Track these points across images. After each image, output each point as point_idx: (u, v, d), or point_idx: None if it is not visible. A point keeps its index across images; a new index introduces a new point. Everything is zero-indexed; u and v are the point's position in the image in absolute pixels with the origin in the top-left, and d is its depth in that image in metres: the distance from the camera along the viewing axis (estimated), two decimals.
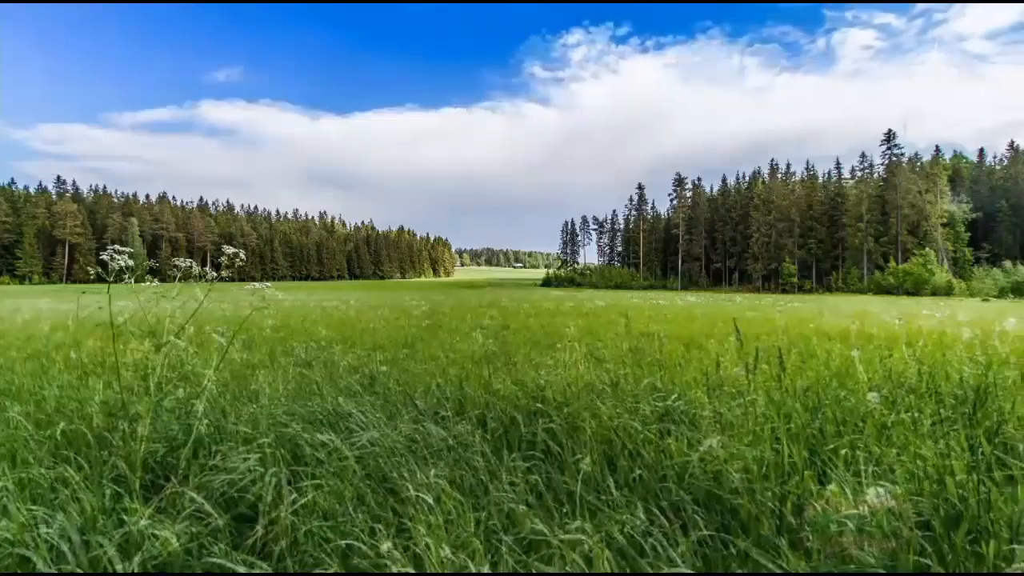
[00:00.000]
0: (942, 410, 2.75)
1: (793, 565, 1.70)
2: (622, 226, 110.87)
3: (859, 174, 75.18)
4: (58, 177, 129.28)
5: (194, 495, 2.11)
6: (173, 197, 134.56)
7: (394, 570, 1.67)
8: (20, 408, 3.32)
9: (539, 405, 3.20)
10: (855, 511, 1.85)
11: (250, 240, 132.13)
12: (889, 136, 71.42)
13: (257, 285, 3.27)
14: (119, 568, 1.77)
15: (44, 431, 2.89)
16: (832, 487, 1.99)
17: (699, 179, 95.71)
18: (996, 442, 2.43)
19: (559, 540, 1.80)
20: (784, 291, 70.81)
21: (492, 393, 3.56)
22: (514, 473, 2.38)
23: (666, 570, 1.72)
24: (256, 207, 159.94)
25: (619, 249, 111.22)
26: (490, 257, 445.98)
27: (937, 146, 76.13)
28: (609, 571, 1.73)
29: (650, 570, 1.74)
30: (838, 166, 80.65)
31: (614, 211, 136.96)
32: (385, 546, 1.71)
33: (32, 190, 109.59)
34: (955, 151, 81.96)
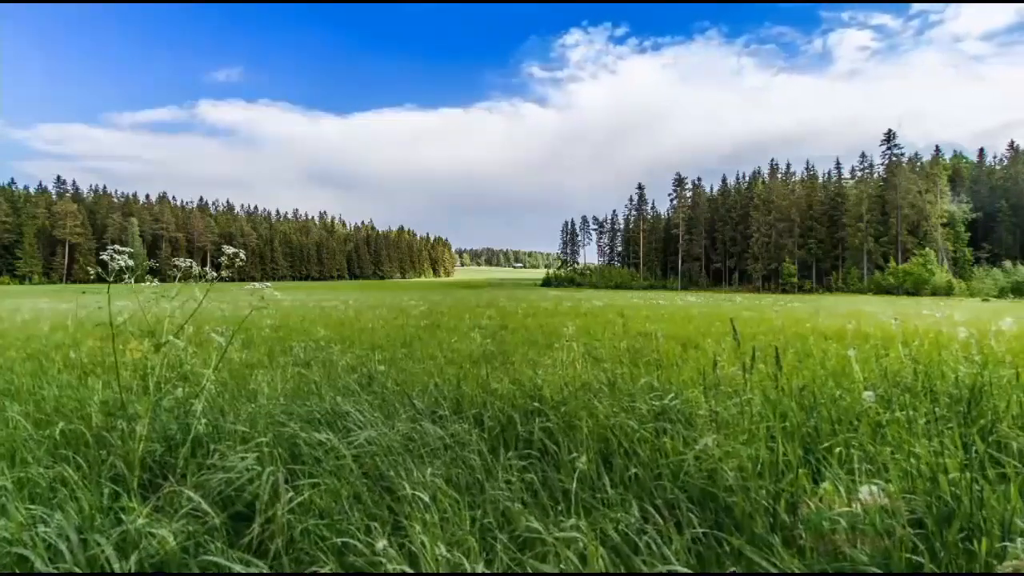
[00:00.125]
0: (937, 409, 2.76)
1: (786, 563, 1.71)
2: (622, 226, 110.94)
3: (859, 174, 75.20)
4: (58, 177, 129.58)
5: (191, 494, 2.12)
6: (173, 197, 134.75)
7: (389, 568, 1.68)
8: (19, 408, 3.33)
9: (536, 404, 3.21)
10: (848, 509, 1.86)
11: (250, 240, 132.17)
12: (889, 136, 71.45)
13: (257, 285, 3.28)
14: (116, 567, 1.78)
15: (43, 431, 2.90)
16: (826, 485, 2.00)
17: (699, 179, 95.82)
18: (990, 440, 2.44)
19: (554, 538, 1.81)
20: (784, 291, 70.81)
21: (489, 392, 3.57)
22: (510, 471, 2.39)
23: (660, 568, 1.73)
24: (256, 207, 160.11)
25: (619, 249, 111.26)
26: (490, 257, 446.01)
27: (937, 146, 76.25)
28: (603, 568, 1.74)
29: (644, 568, 1.75)
30: (838, 166, 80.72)
31: (614, 211, 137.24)
32: (380, 544, 1.72)
33: (32, 190, 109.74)
34: (955, 151, 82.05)
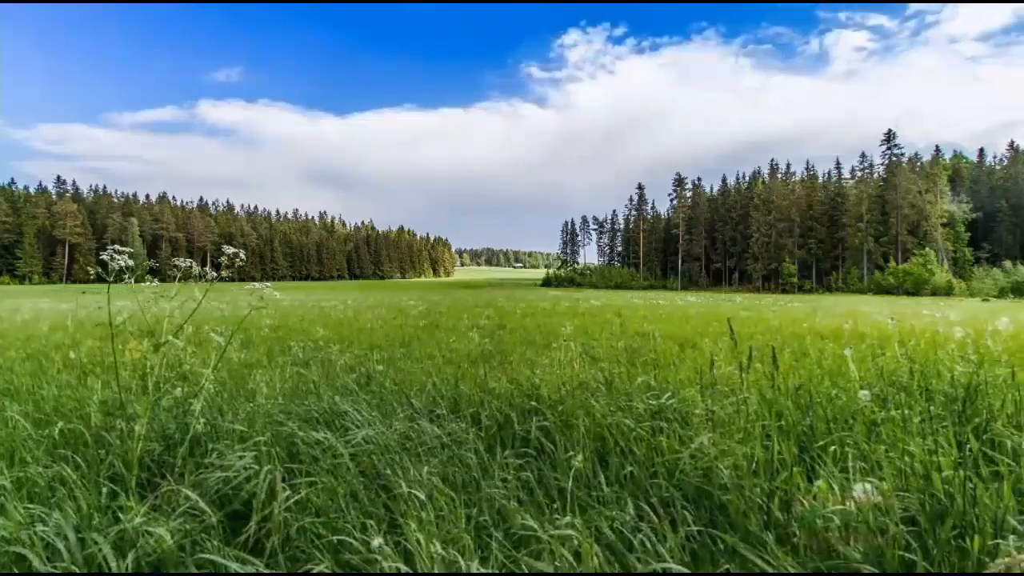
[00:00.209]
0: (932, 408, 2.77)
1: (780, 560, 1.72)
2: (622, 226, 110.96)
3: (859, 174, 75.21)
4: (58, 177, 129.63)
5: (189, 492, 2.12)
6: (173, 197, 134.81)
7: (384, 565, 1.69)
8: (19, 407, 3.34)
9: (533, 403, 3.22)
10: (842, 507, 1.87)
11: (250, 240, 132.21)
12: (889, 136, 71.45)
13: (257, 285, 3.28)
14: (113, 565, 1.79)
15: (42, 430, 2.91)
16: (820, 483, 2.01)
17: (699, 179, 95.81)
18: (984, 439, 2.45)
19: (548, 536, 1.81)
20: (784, 291, 70.82)
21: (487, 392, 3.58)
22: (506, 470, 2.40)
23: (654, 565, 1.74)
24: (256, 207, 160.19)
25: (619, 249, 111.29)
26: (490, 257, 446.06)
27: (937, 146, 76.28)
28: (598, 565, 1.74)
29: (639, 565, 1.76)
30: (838, 166, 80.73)
31: (614, 211, 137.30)
32: (376, 541, 1.73)
33: (32, 190, 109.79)
34: (955, 151, 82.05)
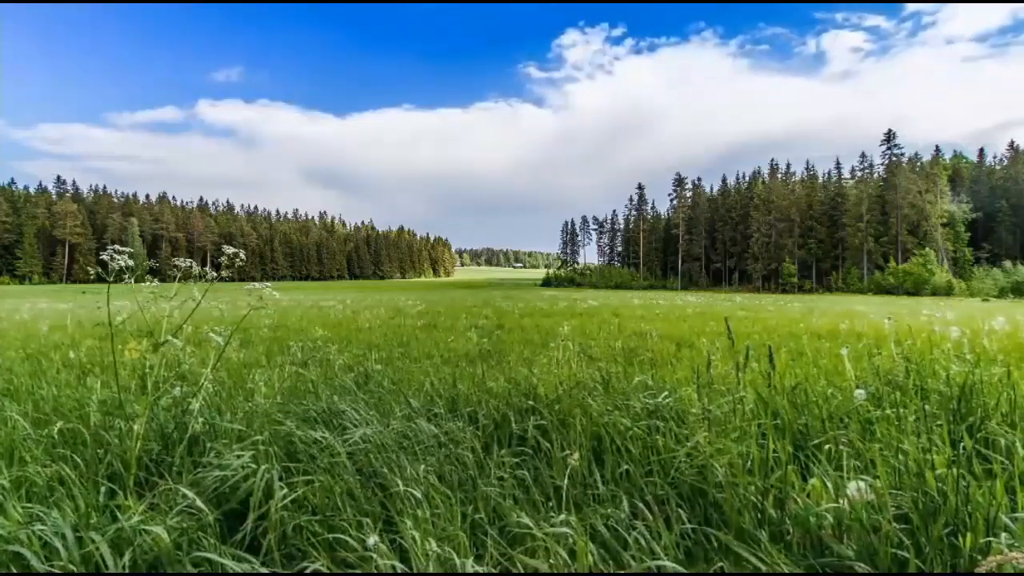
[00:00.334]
0: (927, 406, 2.78)
1: (773, 558, 1.73)
2: (622, 226, 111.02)
3: (859, 174, 75.24)
4: (58, 177, 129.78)
5: (187, 491, 2.13)
6: (173, 197, 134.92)
7: (379, 562, 1.70)
8: (18, 407, 3.35)
9: (531, 402, 3.23)
10: (835, 505, 1.88)
11: (250, 240, 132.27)
12: (889, 136, 71.49)
13: (257, 285, 3.29)
14: (110, 563, 1.80)
15: (41, 430, 2.92)
16: (814, 481, 2.02)
17: (699, 179, 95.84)
18: (978, 437, 2.46)
19: (543, 533, 1.83)
20: (784, 291, 70.84)
21: (485, 391, 3.59)
22: (503, 468, 2.41)
23: (648, 562, 1.75)
24: (256, 207, 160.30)
25: (619, 249, 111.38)
26: (490, 257, 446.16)
27: (937, 146, 76.32)
28: (592, 563, 1.75)
29: (633, 563, 1.77)
30: (838, 166, 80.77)
31: (614, 211, 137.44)
32: (371, 539, 1.74)
33: (32, 190, 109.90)
34: (955, 151, 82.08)
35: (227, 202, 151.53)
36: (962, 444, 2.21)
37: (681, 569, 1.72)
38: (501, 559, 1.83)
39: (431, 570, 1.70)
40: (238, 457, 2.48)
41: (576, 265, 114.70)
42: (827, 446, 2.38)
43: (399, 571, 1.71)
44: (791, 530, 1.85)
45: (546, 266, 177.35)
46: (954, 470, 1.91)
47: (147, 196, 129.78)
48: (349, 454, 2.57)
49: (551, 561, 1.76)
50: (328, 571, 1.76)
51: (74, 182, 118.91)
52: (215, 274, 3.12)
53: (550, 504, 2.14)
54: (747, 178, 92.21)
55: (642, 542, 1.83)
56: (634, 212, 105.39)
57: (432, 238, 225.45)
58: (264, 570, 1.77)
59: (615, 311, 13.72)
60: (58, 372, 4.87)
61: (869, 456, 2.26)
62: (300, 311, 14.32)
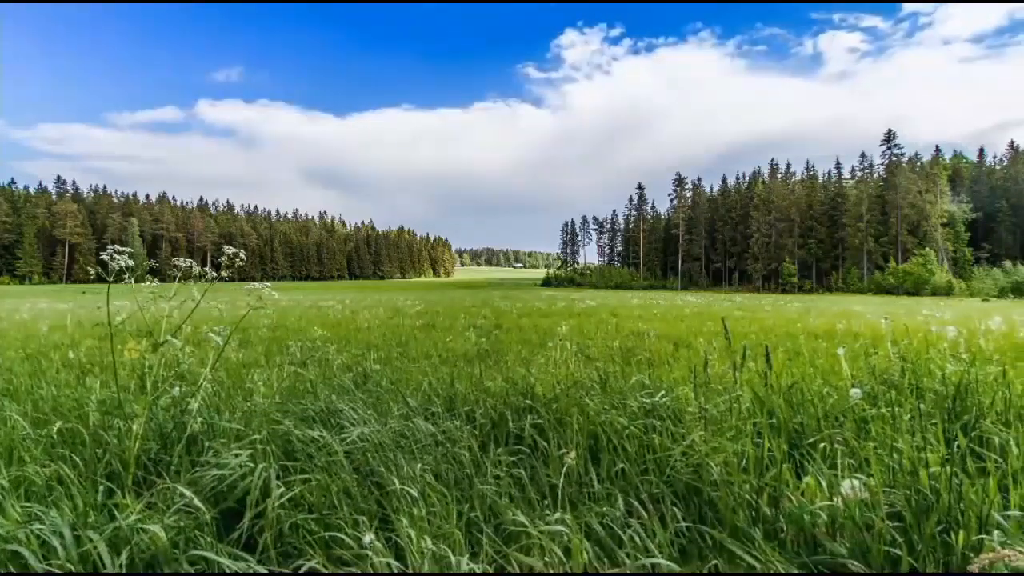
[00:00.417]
0: (922, 405, 2.79)
1: (767, 555, 1.74)
2: (622, 226, 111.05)
3: (859, 174, 75.25)
4: (58, 177, 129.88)
5: (184, 490, 2.14)
6: (173, 197, 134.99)
7: (375, 560, 1.71)
8: (18, 407, 3.36)
9: (528, 402, 3.24)
10: (829, 503, 1.89)
11: (250, 240, 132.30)
12: (889, 136, 71.50)
13: (256, 285, 3.30)
14: (108, 562, 1.80)
15: (41, 430, 2.93)
16: (808, 479, 2.03)
17: (699, 179, 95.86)
18: (972, 435, 2.47)
19: (539, 531, 1.84)
20: (784, 291, 70.85)
21: (483, 390, 3.60)
22: (499, 467, 2.42)
23: (643, 560, 1.76)
24: (256, 207, 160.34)
25: (619, 249, 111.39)
26: (490, 257, 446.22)
27: (937, 146, 76.34)
28: (587, 561, 1.76)
29: (628, 560, 1.78)
30: (838, 166, 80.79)
31: (614, 211, 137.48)
32: (367, 537, 1.75)
33: (32, 190, 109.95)
34: (955, 151, 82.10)
35: (227, 202, 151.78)
36: (956, 443, 2.22)
37: (675, 567, 1.73)
38: (496, 557, 1.84)
39: (426, 567, 1.71)
40: (236, 456, 2.48)
41: (576, 265, 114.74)
42: (822, 445, 2.39)
43: (394, 568, 1.72)
44: (785, 528, 1.86)
45: (546, 266, 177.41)
46: (948, 468, 1.91)
47: (147, 196, 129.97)
48: (346, 453, 2.58)
49: (546, 559, 1.77)
50: (324, 569, 1.77)
51: (74, 182, 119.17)
52: (215, 274, 3.13)
53: (546, 502, 2.15)
54: (747, 178, 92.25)
55: (637, 540, 1.84)
56: (634, 212, 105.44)
57: (432, 238, 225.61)
58: (260, 568, 1.78)
59: (613, 311, 13.76)
60: (57, 372, 4.89)
61: (864, 454, 2.27)
62: (299, 311, 14.34)
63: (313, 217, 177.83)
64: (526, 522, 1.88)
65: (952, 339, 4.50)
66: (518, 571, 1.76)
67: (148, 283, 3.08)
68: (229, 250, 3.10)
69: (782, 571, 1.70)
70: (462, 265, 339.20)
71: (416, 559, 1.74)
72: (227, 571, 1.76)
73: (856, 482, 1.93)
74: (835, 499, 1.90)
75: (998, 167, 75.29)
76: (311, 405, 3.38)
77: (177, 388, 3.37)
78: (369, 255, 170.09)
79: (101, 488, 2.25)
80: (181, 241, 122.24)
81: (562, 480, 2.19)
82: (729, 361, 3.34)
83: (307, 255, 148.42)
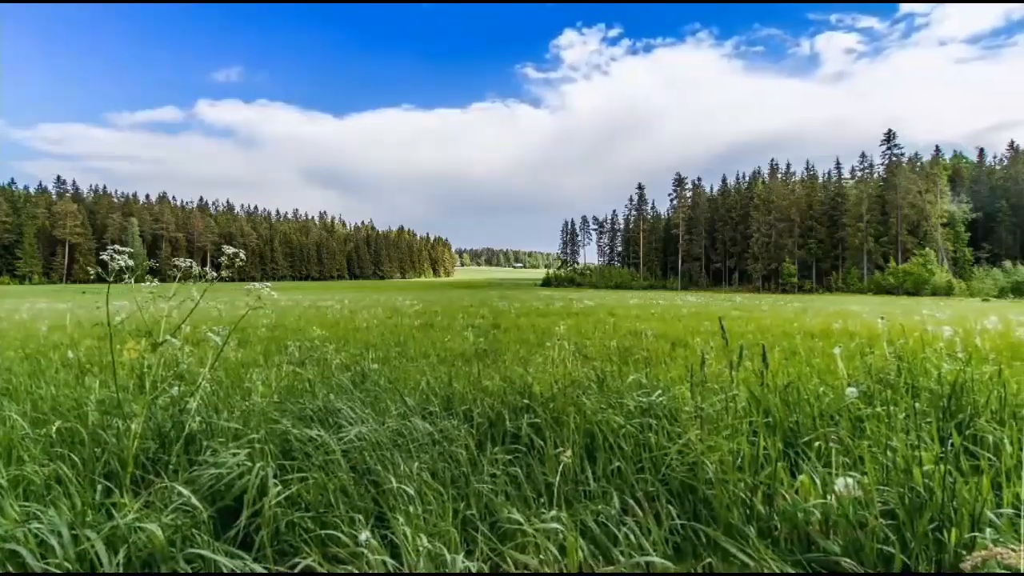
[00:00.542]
0: (917, 404, 2.80)
1: (761, 553, 1.75)
2: (622, 226, 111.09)
3: (859, 174, 75.27)
4: (58, 177, 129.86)
5: (182, 489, 2.15)
6: (173, 197, 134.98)
7: (370, 558, 1.72)
8: (17, 407, 3.37)
9: (525, 401, 3.25)
10: (823, 500, 1.90)
11: (250, 240, 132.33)
12: (889, 136, 71.51)
13: (256, 285, 3.30)
14: (105, 561, 1.81)
15: (40, 429, 2.94)
16: (802, 477, 2.04)
17: (699, 179, 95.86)
18: (967, 434, 2.48)
19: (534, 529, 1.84)
20: (784, 291, 70.87)
21: (480, 389, 3.61)
22: (495, 465, 2.43)
23: (637, 558, 1.77)
24: (256, 207, 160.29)
25: (619, 249, 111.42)
26: (490, 257, 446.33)
27: (937, 146, 76.34)
28: (582, 558, 1.77)
29: (622, 558, 1.79)
30: (838, 166, 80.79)
31: (614, 211, 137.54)
32: (363, 535, 1.76)
33: (32, 190, 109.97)
34: (955, 151, 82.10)
35: (227, 202, 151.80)
36: (950, 441, 2.22)
37: (670, 565, 1.74)
38: (491, 555, 1.85)
39: (421, 565, 1.72)
40: (234, 455, 2.49)
41: (576, 265, 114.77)
42: (817, 443, 2.40)
43: (389, 566, 1.73)
44: (779, 526, 1.87)
45: (546, 266, 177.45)
46: (941, 466, 1.92)
47: (147, 196, 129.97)
48: (344, 452, 2.59)
49: (541, 557, 1.78)
50: (319, 566, 1.78)
51: (74, 182, 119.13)
52: (215, 274, 3.14)
53: (541, 500, 2.16)
54: (747, 178, 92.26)
55: (632, 538, 1.85)
56: (634, 212, 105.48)
57: (432, 238, 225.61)
58: (256, 566, 1.79)
59: (611, 311, 13.80)
60: (57, 372, 4.90)
61: (858, 453, 2.27)
62: (298, 311, 14.36)
63: (313, 217, 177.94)
64: (521, 520, 1.89)
65: (948, 338, 4.52)
66: (513, 568, 1.77)
67: (148, 283, 3.08)
68: (229, 250, 3.10)
69: (776, 568, 1.70)
70: (462, 265, 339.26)
71: (411, 557, 1.75)
72: (223, 568, 1.77)
73: (850, 480, 1.94)
74: (829, 497, 1.90)
75: (998, 167, 75.29)
76: (309, 404, 3.39)
77: (176, 388, 3.38)
78: (369, 255, 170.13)
79: (99, 487, 2.26)
80: (181, 241, 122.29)
81: (558, 478, 2.20)
82: (726, 360, 3.35)
83: (307, 255, 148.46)
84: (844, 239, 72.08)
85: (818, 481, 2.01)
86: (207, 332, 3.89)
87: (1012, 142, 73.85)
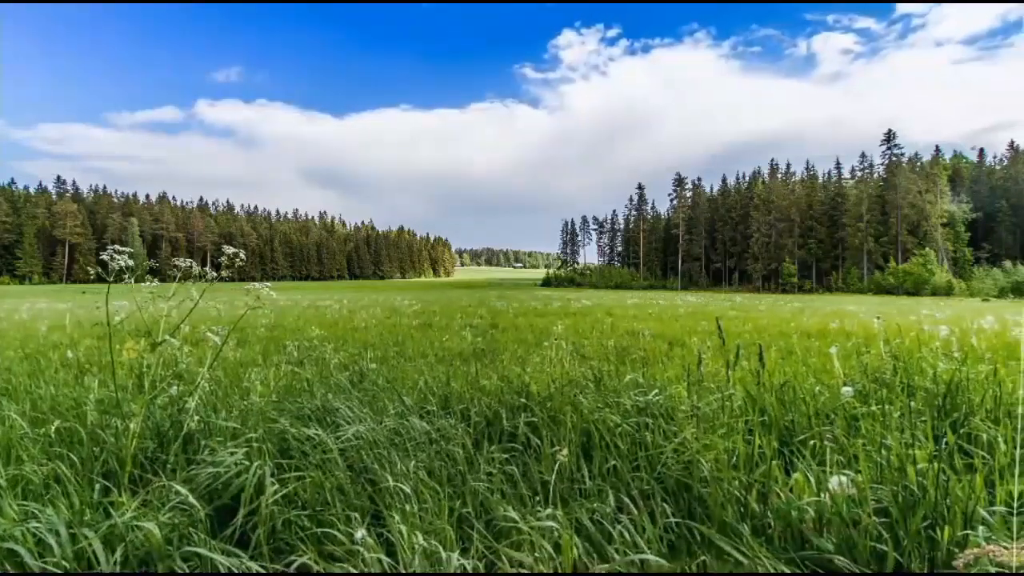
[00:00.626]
0: (912, 403, 2.81)
1: (754, 551, 1.76)
2: (622, 226, 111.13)
3: (859, 174, 75.29)
4: (58, 177, 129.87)
5: (180, 488, 2.16)
6: (173, 197, 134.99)
7: (366, 555, 1.73)
8: (16, 407, 3.37)
9: (523, 400, 3.26)
10: (817, 498, 1.91)
11: (250, 240, 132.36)
12: (889, 136, 71.52)
13: (256, 285, 3.31)
14: (102, 559, 1.82)
15: (39, 429, 2.95)
16: (796, 476, 2.05)
17: (699, 179, 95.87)
18: (961, 432, 2.49)
19: (529, 527, 1.85)
20: (784, 291, 70.88)
21: (478, 389, 3.62)
22: (492, 464, 2.44)
23: (632, 556, 1.78)
24: (256, 207, 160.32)
25: (619, 249, 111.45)
26: (490, 257, 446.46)
27: (937, 146, 76.35)
28: (576, 556, 1.78)
29: (617, 555, 1.80)
30: (838, 166, 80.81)
31: (614, 211, 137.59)
32: (359, 533, 1.77)
33: (32, 190, 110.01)
34: (955, 151, 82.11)
35: (227, 202, 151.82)
36: (945, 439, 2.23)
37: (664, 562, 1.75)
38: (487, 552, 1.86)
39: (416, 563, 1.73)
40: (231, 454, 2.50)
41: (576, 265, 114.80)
42: (812, 442, 2.41)
43: (385, 564, 1.73)
44: (773, 524, 1.88)
45: (546, 266, 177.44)
46: (935, 464, 1.93)
47: (147, 196, 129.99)
48: (341, 451, 2.60)
49: (536, 554, 1.79)
50: (315, 564, 1.78)
51: (74, 182, 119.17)
52: (215, 274, 3.15)
53: (537, 499, 2.17)
54: (747, 178, 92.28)
55: (626, 536, 1.85)
56: (634, 212, 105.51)
57: (432, 238, 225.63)
58: (252, 564, 1.80)
59: (608, 311, 13.83)
60: (56, 371, 4.91)
61: (853, 451, 2.29)
62: (297, 311, 14.37)
63: (313, 217, 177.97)
64: (517, 518, 1.90)
65: (944, 338, 4.53)
66: (508, 566, 1.78)
67: (148, 283, 3.09)
68: (229, 250, 3.11)
69: (769, 566, 1.71)
70: (462, 265, 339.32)
71: (407, 554, 1.76)
72: (220, 566, 1.78)
73: (844, 478, 1.95)
74: (823, 495, 1.91)
75: (998, 167, 75.29)
76: (307, 403, 3.40)
77: (175, 387, 3.39)
78: (369, 255, 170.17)
79: (98, 486, 2.27)
80: (181, 241, 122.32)
81: (554, 477, 2.21)
82: (723, 360, 3.36)
83: (307, 255, 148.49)
84: (844, 239, 72.09)
85: (812, 479, 2.02)
86: (206, 332, 3.90)
87: (1012, 142, 73.89)
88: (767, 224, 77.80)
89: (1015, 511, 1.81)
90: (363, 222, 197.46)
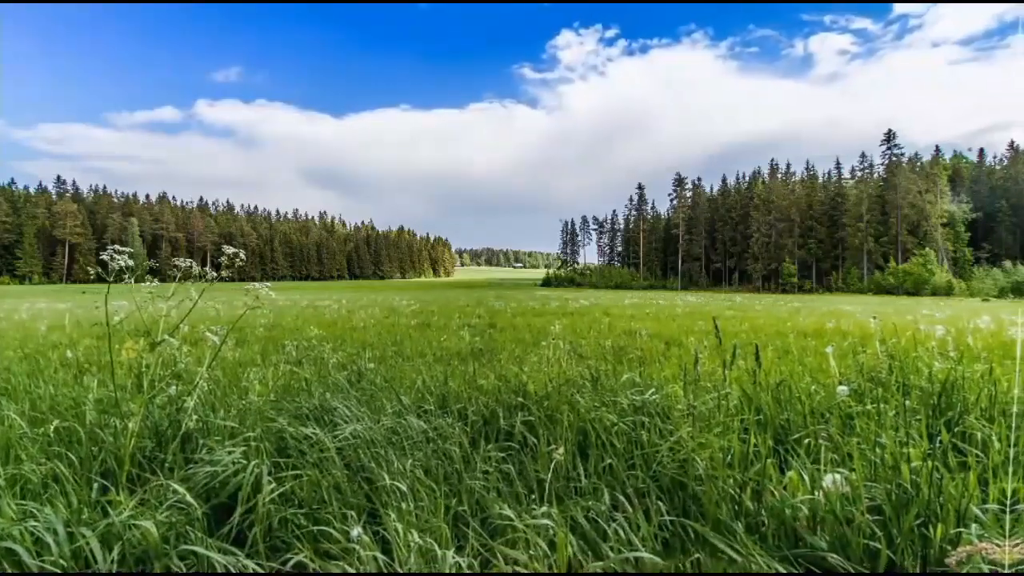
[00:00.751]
0: (908, 402, 2.82)
1: (748, 548, 1.76)
2: (622, 226, 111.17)
3: (859, 174, 75.31)
4: (58, 177, 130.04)
5: (177, 486, 2.17)
6: (173, 197, 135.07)
7: (361, 553, 1.74)
8: (16, 406, 3.38)
9: (520, 399, 3.27)
10: (811, 496, 1.91)
11: (250, 240, 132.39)
12: (889, 136, 71.54)
13: (256, 285, 3.32)
14: (100, 558, 1.83)
15: (38, 428, 2.95)
16: (791, 474, 2.06)
17: (699, 179, 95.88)
18: (956, 431, 2.50)
19: (524, 525, 1.86)
20: (784, 291, 70.89)
21: (475, 388, 3.63)
22: (488, 462, 2.45)
23: (626, 553, 1.79)
24: (256, 207, 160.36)
25: (619, 249, 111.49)
26: (490, 257, 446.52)
27: (937, 146, 76.35)
28: (571, 554, 1.79)
29: (611, 553, 1.81)
30: (838, 166, 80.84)
31: (614, 211, 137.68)
32: (355, 531, 1.78)
33: (32, 190, 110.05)
34: (955, 151, 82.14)
35: (227, 202, 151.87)
36: (939, 438, 2.24)
37: (658, 560, 1.76)
38: (482, 550, 1.87)
39: (412, 560, 1.74)
40: (229, 453, 2.51)
41: (576, 265, 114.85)
42: (807, 440, 2.42)
43: (380, 562, 1.74)
44: (767, 522, 1.89)
45: (546, 266, 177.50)
46: (929, 463, 1.94)
47: (147, 196, 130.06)
48: (338, 449, 2.61)
49: (531, 552, 1.80)
50: (311, 562, 1.79)
51: (74, 182, 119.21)
52: (215, 274, 3.15)
53: (533, 497, 2.18)
54: (747, 178, 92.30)
55: (621, 534, 1.86)
56: (634, 212, 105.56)
57: (432, 238, 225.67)
58: (248, 562, 1.81)
59: (606, 310, 13.85)
60: (55, 371, 4.92)
61: (847, 450, 2.29)
62: (296, 311, 14.39)
63: (313, 217, 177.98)
64: (512, 516, 1.91)
65: (940, 337, 4.54)
66: (503, 564, 1.79)
67: (148, 283, 3.10)
68: (229, 250, 3.12)
69: (763, 564, 1.72)
70: (462, 265, 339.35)
71: (403, 552, 1.77)
72: (216, 564, 1.79)
73: (838, 476, 1.96)
74: (817, 493, 1.92)
75: (998, 167, 75.30)
76: (305, 403, 3.41)
77: (173, 387, 3.40)
78: (369, 255, 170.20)
79: (96, 485, 2.28)
80: (181, 241, 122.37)
81: (550, 475, 2.22)
82: (719, 359, 3.37)
83: (307, 255, 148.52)
84: (844, 239, 72.11)
85: (806, 477, 2.03)
86: (205, 332, 3.91)
87: (1012, 142, 73.91)
88: (767, 224, 77.83)
89: (1008, 508, 1.82)
90: (363, 222, 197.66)
